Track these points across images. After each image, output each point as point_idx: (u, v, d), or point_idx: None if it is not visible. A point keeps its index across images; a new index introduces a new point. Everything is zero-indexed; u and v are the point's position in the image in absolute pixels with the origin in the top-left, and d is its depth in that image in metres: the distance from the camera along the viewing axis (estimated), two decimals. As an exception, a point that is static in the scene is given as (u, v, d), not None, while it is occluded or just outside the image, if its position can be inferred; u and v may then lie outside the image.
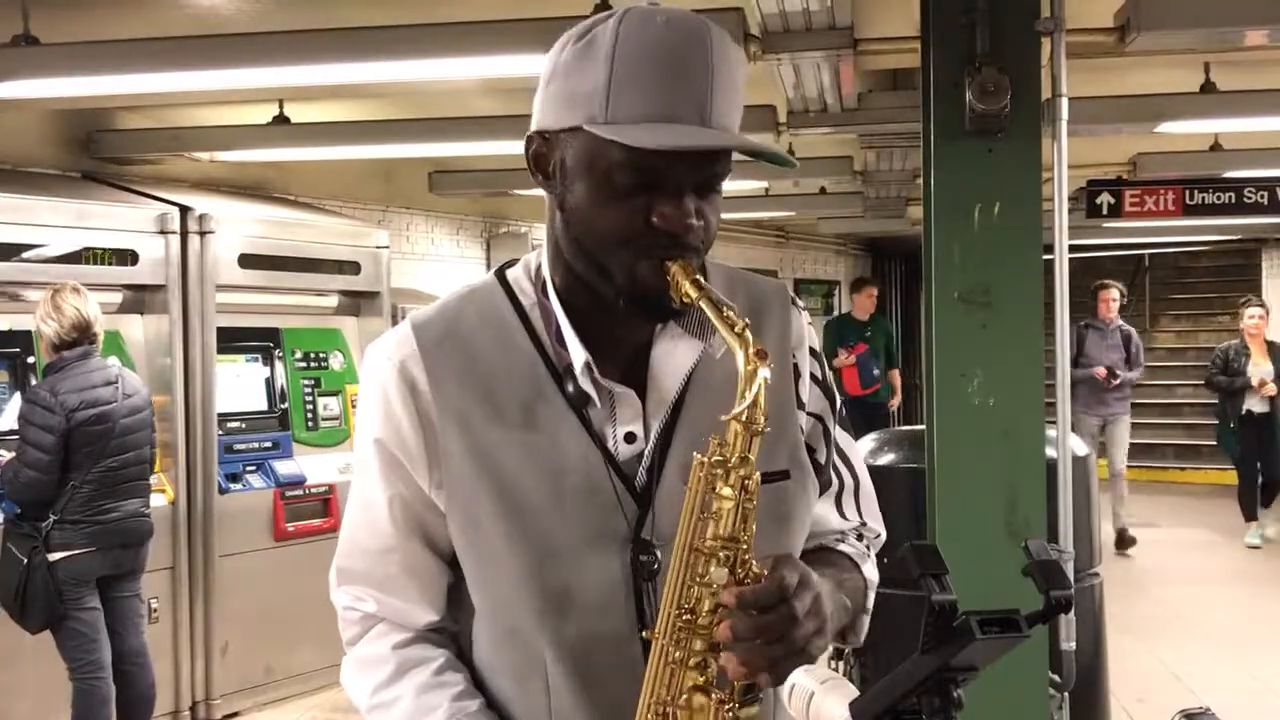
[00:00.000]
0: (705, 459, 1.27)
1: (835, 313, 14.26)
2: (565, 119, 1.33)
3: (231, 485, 5.85)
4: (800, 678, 1.15)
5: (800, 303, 1.59)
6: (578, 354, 1.39)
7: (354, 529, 1.48)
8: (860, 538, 1.60)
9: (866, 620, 1.53)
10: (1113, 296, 10.08)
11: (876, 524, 1.63)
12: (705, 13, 3.99)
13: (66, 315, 4.53)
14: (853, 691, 1.08)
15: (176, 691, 5.60)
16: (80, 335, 4.55)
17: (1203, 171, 8.33)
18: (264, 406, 6.22)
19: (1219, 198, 8.54)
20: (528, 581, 1.37)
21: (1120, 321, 9.96)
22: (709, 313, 1.29)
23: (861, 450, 4.59)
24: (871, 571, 1.59)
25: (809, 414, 1.53)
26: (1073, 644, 3.44)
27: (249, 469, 6.00)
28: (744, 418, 1.25)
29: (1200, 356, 15.46)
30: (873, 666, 4.00)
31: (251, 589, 5.89)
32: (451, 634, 1.49)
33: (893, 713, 1.02)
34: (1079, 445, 4.29)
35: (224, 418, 5.84)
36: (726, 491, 1.25)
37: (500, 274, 1.49)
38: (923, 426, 3.71)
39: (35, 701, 4.98)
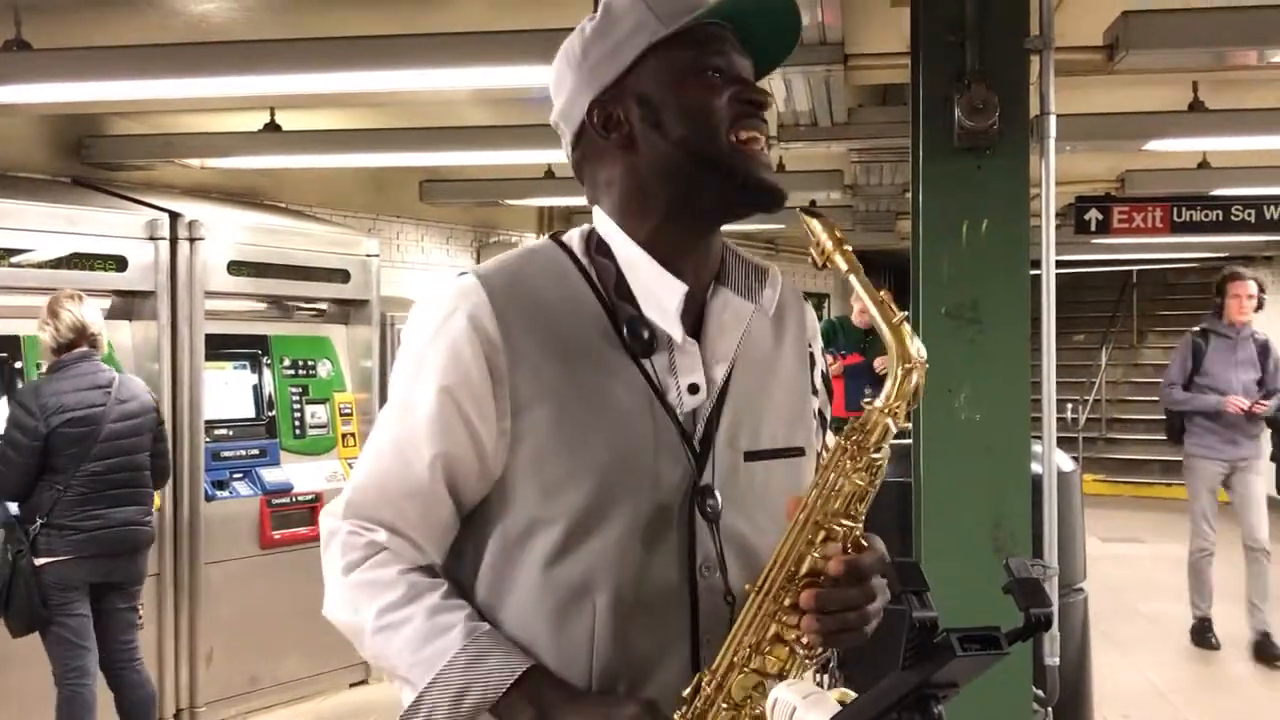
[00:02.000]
0: (846, 444, 1.33)
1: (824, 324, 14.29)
2: (628, 58, 1.47)
3: (218, 493, 5.84)
4: (783, 693, 1.16)
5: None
6: (673, 291, 1.45)
7: (381, 472, 1.48)
8: None
9: None
10: (1248, 291, 7.05)
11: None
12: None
13: (62, 320, 4.56)
14: (834, 707, 1.09)
15: (160, 699, 5.56)
16: (77, 338, 4.57)
17: (1190, 189, 8.37)
18: (251, 414, 6.21)
19: (1206, 215, 8.58)
20: (591, 526, 1.40)
21: (1254, 328, 7.15)
22: (863, 294, 1.36)
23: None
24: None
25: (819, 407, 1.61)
26: (1057, 659, 3.45)
27: (236, 476, 5.99)
28: (890, 410, 1.32)
29: (1187, 373, 15.52)
30: (858, 681, 4.00)
31: (237, 597, 5.88)
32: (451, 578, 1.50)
33: (874, 728, 1.02)
34: (1064, 461, 4.31)
35: (211, 425, 5.83)
36: (854, 474, 1.31)
37: (554, 237, 1.56)
38: (910, 440, 3.72)
39: (20, 707, 4.96)
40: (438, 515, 1.47)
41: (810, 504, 1.33)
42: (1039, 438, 3.55)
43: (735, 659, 1.33)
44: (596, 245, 1.51)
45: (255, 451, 6.13)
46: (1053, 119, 3.39)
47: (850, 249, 1.37)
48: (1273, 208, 8.61)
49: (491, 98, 5.55)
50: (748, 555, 1.43)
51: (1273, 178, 8.03)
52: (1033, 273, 3.50)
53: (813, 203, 9.25)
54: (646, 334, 1.43)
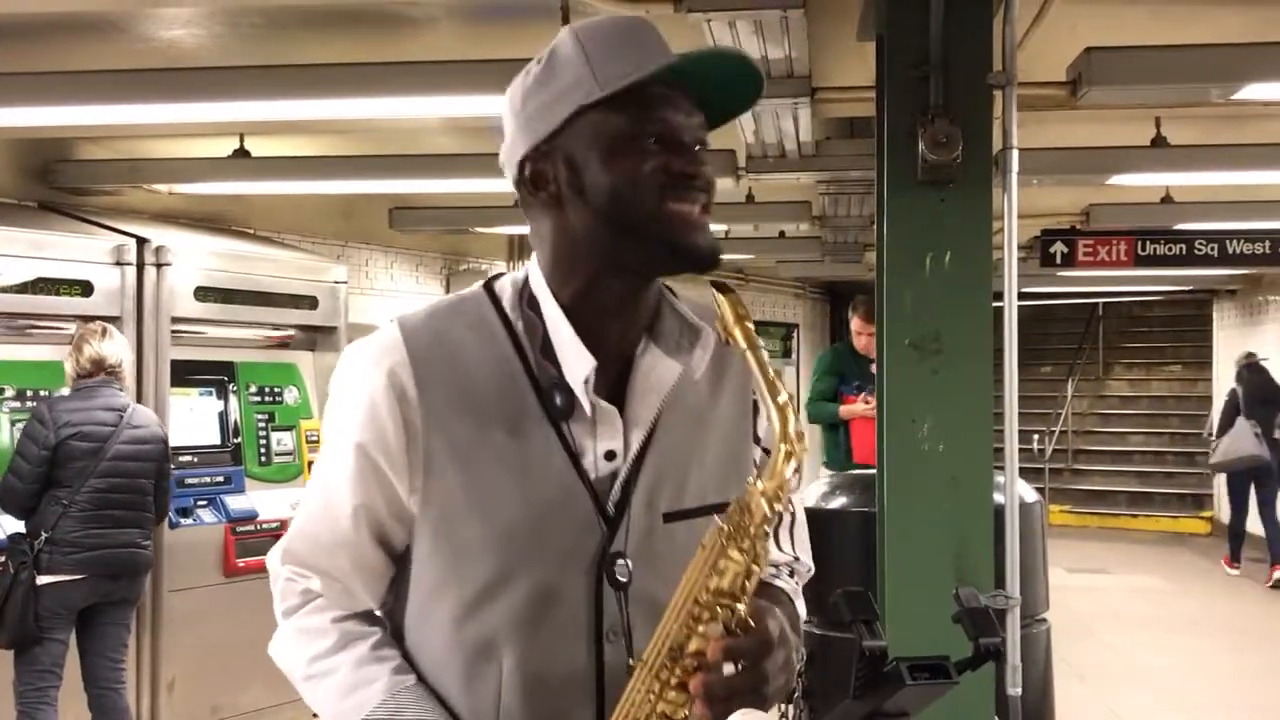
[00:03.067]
0: (725, 525, 1.30)
1: (793, 355, 14.34)
2: (559, 116, 1.41)
3: (182, 520, 5.79)
4: (735, 726, 1.17)
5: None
6: (583, 363, 1.42)
7: (312, 522, 1.50)
8: (793, 573, 1.65)
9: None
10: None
11: (808, 558, 1.67)
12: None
13: (83, 353, 4.81)
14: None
15: (121, 728, 5.52)
16: (95, 368, 4.80)
17: (1154, 223, 8.46)
18: (217, 440, 6.17)
19: (1170, 249, 8.68)
20: (498, 590, 1.40)
21: None
22: (756, 372, 1.33)
23: (813, 494, 4.63)
24: (801, 608, 1.64)
25: (762, 449, 1.58)
26: (1019, 690, 3.46)
27: (200, 504, 5.94)
28: (771, 494, 1.29)
29: (1153, 405, 15.69)
30: (822, 713, 4.00)
31: (200, 625, 5.82)
32: (384, 619, 1.52)
33: (825, 757, 1.03)
34: (1026, 491, 4.34)
35: (176, 451, 5.77)
36: (736, 555, 1.28)
37: (489, 285, 1.52)
38: (874, 470, 3.73)
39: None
40: (368, 563, 1.48)
41: (690, 583, 1.30)
42: (1001, 468, 3.57)
43: None
44: (528, 299, 1.47)
45: (220, 479, 6.09)
46: (1015, 153, 3.43)
47: (751, 325, 1.35)
48: (1236, 242, 8.71)
49: (461, 126, 5.56)
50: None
51: (1236, 212, 8.14)
52: (996, 304, 3.53)
53: (781, 234, 9.30)
54: (562, 399, 1.42)
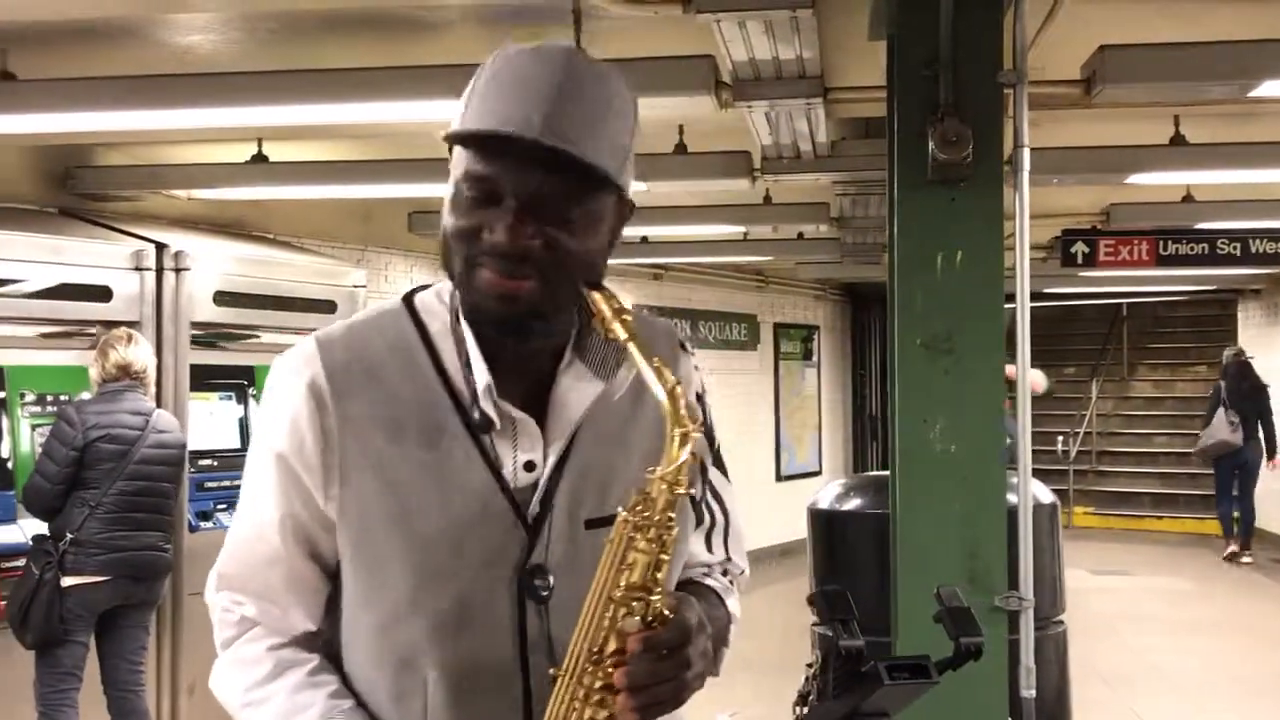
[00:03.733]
0: (629, 516, 1.29)
1: (814, 357, 14.31)
2: (448, 133, 1.39)
3: (202, 523, 5.82)
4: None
5: (690, 347, 1.63)
6: (481, 376, 1.42)
7: (241, 538, 1.50)
8: (725, 573, 1.65)
9: (726, 653, 1.57)
10: None
11: (741, 561, 1.67)
12: (678, 60, 4.03)
13: (109, 358, 4.87)
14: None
15: (142, 731, 5.55)
16: (121, 373, 4.87)
17: (1175, 222, 8.41)
18: (236, 444, 6.20)
19: (1192, 249, 8.62)
20: (417, 601, 1.40)
21: None
22: (639, 361, 1.31)
23: (828, 495, 4.62)
24: (735, 606, 1.63)
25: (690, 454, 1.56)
26: (1033, 692, 3.44)
27: (220, 507, 5.97)
28: (670, 478, 1.28)
29: (1178, 406, 15.59)
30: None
31: (220, 628, 5.85)
32: (326, 641, 1.51)
33: (807, 757, 1.03)
34: (1042, 492, 4.31)
35: (196, 455, 5.82)
36: (643, 545, 1.27)
37: (408, 299, 1.52)
38: (886, 471, 3.72)
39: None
40: (301, 579, 1.48)
41: (600, 581, 1.29)
42: (1014, 469, 3.56)
43: None
44: (457, 314, 1.46)
45: (240, 482, 6.10)
46: (1026, 152, 3.42)
47: (630, 319, 1.34)
48: (1259, 241, 8.64)
49: (478, 129, 5.56)
50: None
51: (1258, 211, 8.07)
52: (1009, 305, 3.52)
53: (800, 235, 9.30)
54: (481, 413, 1.41)
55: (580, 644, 1.29)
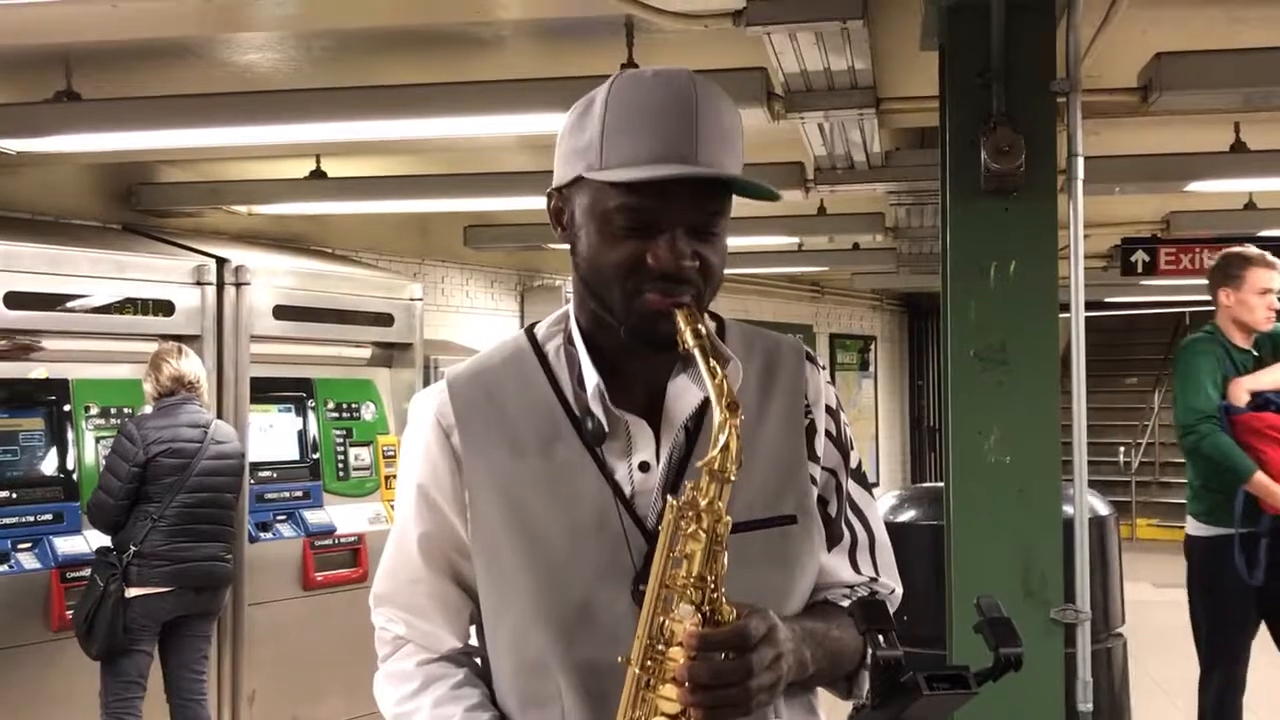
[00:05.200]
0: (676, 502, 1.33)
1: (870, 368, 14.24)
2: (570, 173, 1.46)
3: (262, 534, 5.90)
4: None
5: (820, 362, 1.66)
6: (591, 379, 1.48)
7: (390, 559, 1.61)
8: (873, 594, 1.61)
9: (868, 675, 1.54)
10: None
11: (891, 579, 1.65)
12: (730, 72, 4.04)
13: (163, 372, 4.94)
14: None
15: (204, 739, 5.62)
16: (175, 386, 4.94)
17: (1237, 229, 8.27)
18: (296, 456, 6.28)
19: (1255, 256, 8.47)
20: (542, 612, 1.45)
21: None
22: (698, 359, 1.36)
23: (885, 506, 4.59)
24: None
25: (823, 468, 1.58)
26: (1090, 705, 3.40)
27: (279, 518, 6.05)
28: (715, 465, 1.32)
29: (1242, 416, 15.29)
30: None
31: (280, 638, 5.92)
32: (476, 656, 1.59)
33: (848, 767, 1.03)
34: (1099, 504, 4.27)
35: (255, 467, 5.90)
36: (697, 533, 1.31)
37: (530, 328, 1.61)
38: (941, 484, 3.70)
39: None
40: (444, 598, 1.56)
41: (656, 574, 1.34)
42: (1070, 480, 3.52)
43: None
44: (568, 332, 1.55)
45: (299, 493, 6.19)
46: (1080, 161, 3.39)
47: (703, 329, 1.39)
48: (1324, 248, 8.48)
49: (534, 143, 5.61)
50: None
51: (1322, 218, 7.93)
52: (1064, 315, 3.49)
53: (855, 245, 9.26)
54: (594, 424, 1.47)
55: (643, 633, 1.33)
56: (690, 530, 1.31)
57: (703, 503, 1.31)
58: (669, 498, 1.35)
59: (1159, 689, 6.93)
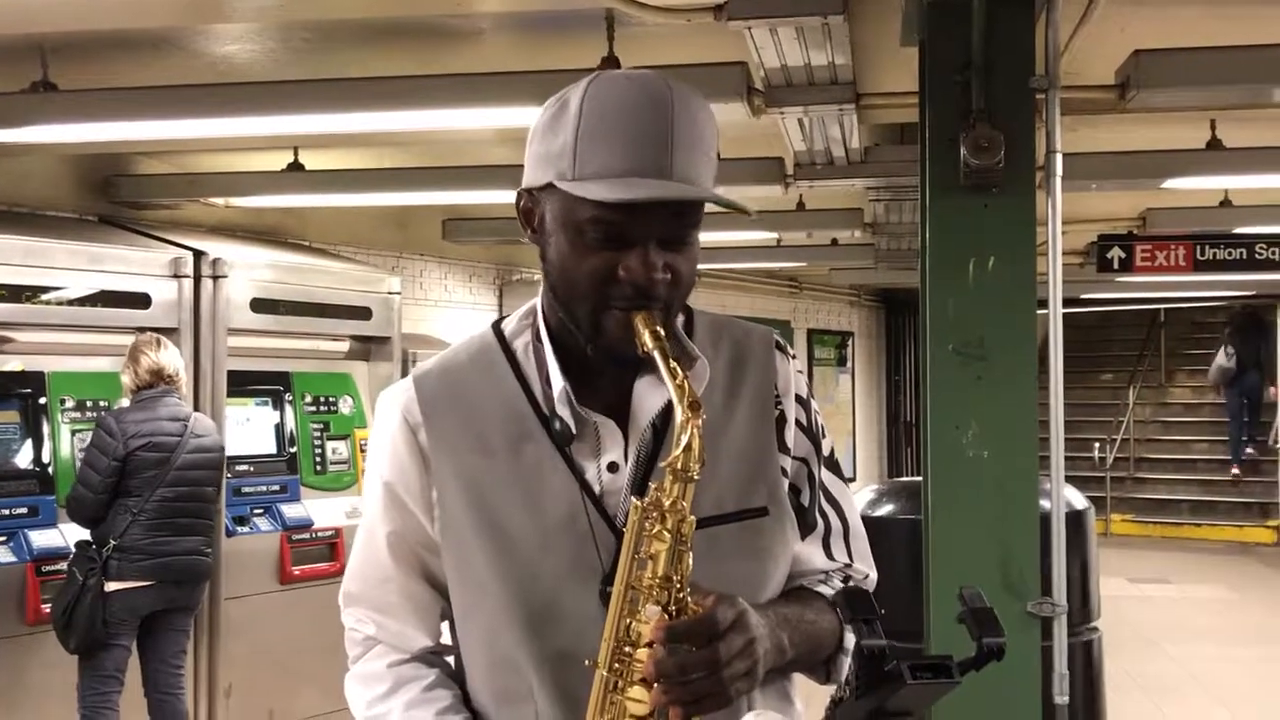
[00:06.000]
0: (640, 503, 1.33)
1: (848, 364, 14.27)
2: (541, 177, 1.43)
3: (238, 528, 5.87)
4: (749, 721, 1.17)
5: (791, 350, 1.65)
6: (557, 381, 1.47)
7: (358, 557, 1.60)
8: (847, 580, 1.63)
9: (846, 660, 1.55)
10: None
11: (865, 566, 1.66)
12: (710, 67, 4.04)
13: (141, 364, 4.89)
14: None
15: (180, 733, 5.60)
16: (154, 379, 4.89)
17: (1213, 226, 8.33)
18: (273, 450, 6.25)
19: (1230, 253, 8.54)
20: (512, 609, 1.45)
21: None
22: (659, 362, 1.36)
23: (862, 501, 4.61)
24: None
25: (794, 458, 1.58)
26: (1066, 698, 3.43)
27: (256, 512, 6.01)
28: (678, 465, 1.32)
29: (1216, 412, 15.44)
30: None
31: (257, 632, 5.90)
32: (447, 655, 1.59)
33: (830, 756, 1.04)
34: (1076, 499, 4.29)
35: (232, 460, 5.87)
36: (661, 534, 1.31)
37: (496, 324, 1.60)
38: (919, 478, 3.72)
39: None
40: (415, 596, 1.56)
41: (622, 576, 1.33)
42: (1049, 475, 3.54)
43: None
44: (537, 330, 1.54)
45: (276, 487, 6.16)
46: (1059, 158, 3.40)
47: (661, 331, 1.39)
48: (1298, 246, 8.55)
49: (513, 137, 5.58)
50: None
51: (1297, 215, 8.00)
52: (1042, 311, 3.51)
53: (834, 241, 9.29)
54: (562, 424, 1.46)
55: (610, 635, 1.33)
56: (655, 531, 1.31)
57: (666, 503, 1.31)
58: (634, 499, 1.34)
59: (1133, 683, 6.99)
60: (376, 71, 4.48)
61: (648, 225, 1.38)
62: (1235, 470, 14.30)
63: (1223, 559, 12.73)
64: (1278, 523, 13.83)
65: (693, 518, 1.32)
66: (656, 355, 1.36)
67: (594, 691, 1.34)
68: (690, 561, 1.32)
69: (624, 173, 1.35)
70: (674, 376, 1.34)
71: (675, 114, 1.37)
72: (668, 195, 1.37)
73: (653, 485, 1.34)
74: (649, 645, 1.29)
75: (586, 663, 1.34)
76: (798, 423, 1.59)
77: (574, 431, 1.46)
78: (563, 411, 1.47)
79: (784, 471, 1.56)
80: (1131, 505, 14.74)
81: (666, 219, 1.39)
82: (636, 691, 1.31)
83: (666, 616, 1.29)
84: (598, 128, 1.37)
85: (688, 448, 1.31)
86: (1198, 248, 8.49)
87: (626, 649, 1.32)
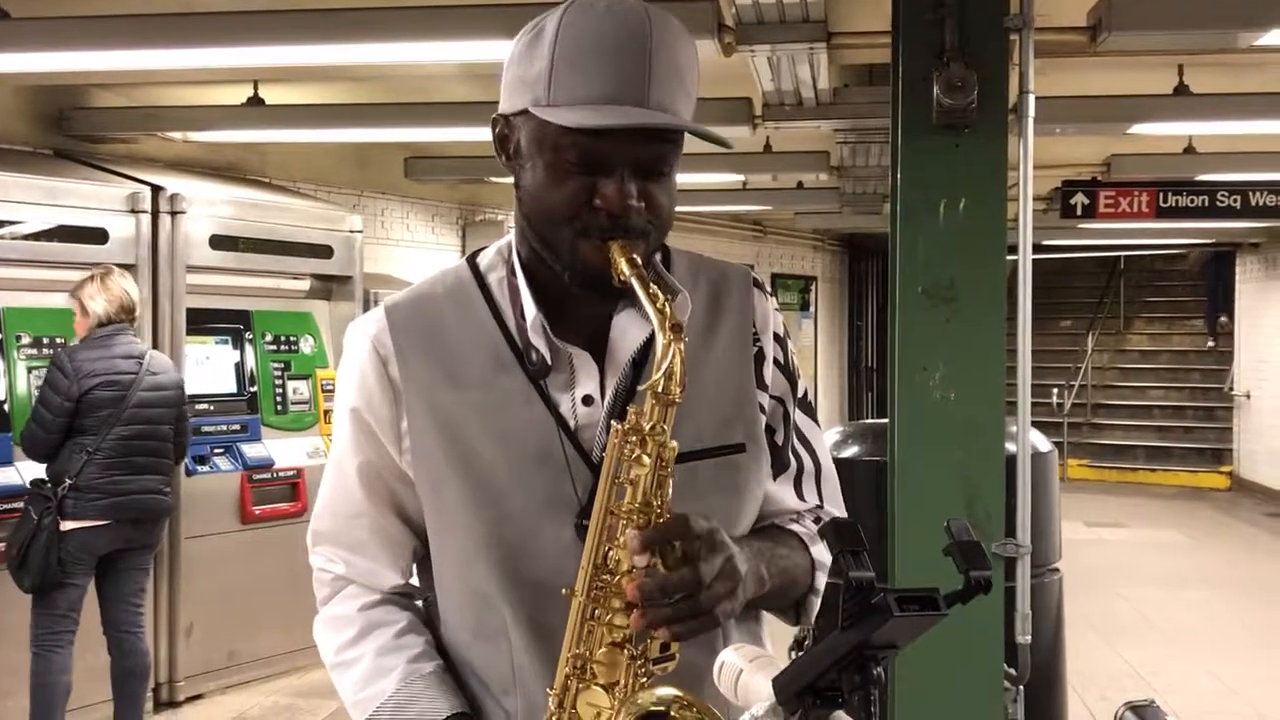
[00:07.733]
0: (621, 426, 1.31)
1: (810, 309, 14.31)
2: (517, 103, 1.40)
3: (199, 468, 5.83)
4: (729, 656, 1.16)
5: (767, 288, 1.63)
6: (530, 310, 1.45)
7: (328, 493, 1.56)
8: (817, 520, 1.62)
9: (817, 601, 1.54)
10: None
11: (836, 508, 1.65)
12: (681, 2, 3.97)
13: (115, 295, 4.77)
14: (779, 670, 1.09)
15: (139, 673, 5.58)
16: (122, 313, 4.78)
17: (1177, 174, 8.37)
18: (233, 389, 6.20)
19: (1192, 201, 8.59)
20: (486, 543, 1.42)
21: None
22: (637, 289, 1.34)
23: (826, 441, 4.62)
24: (822, 553, 1.59)
25: (771, 396, 1.56)
26: (1028, 638, 3.46)
27: (217, 452, 5.98)
28: (658, 388, 1.29)
29: (1173, 359, 15.62)
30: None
31: (217, 572, 5.88)
32: (418, 598, 1.56)
33: (814, 689, 1.03)
34: (1040, 442, 4.32)
35: (192, 399, 5.80)
36: (641, 458, 1.29)
37: (472, 257, 1.56)
38: (885, 420, 3.72)
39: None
40: (386, 531, 1.53)
41: (600, 501, 1.31)
42: (1014, 417, 3.56)
43: (570, 672, 1.33)
44: (510, 263, 1.51)
45: (236, 427, 6.12)
46: (1031, 99, 3.39)
47: (638, 260, 1.36)
48: (1259, 194, 8.61)
49: (476, 73, 5.53)
50: None
51: (1259, 163, 8.05)
52: (1012, 258, 3.50)
53: (799, 184, 9.26)
54: (538, 356, 1.44)
55: (588, 562, 1.31)
56: (635, 455, 1.29)
57: (646, 427, 1.29)
58: (613, 423, 1.32)
59: (1088, 624, 7.09)
60: (339, 3, 4.40)
61: (623, 153, 1.35)
62: (1211, 342, 15.24)
63: (1177, 504, 12.92)
64: (1231, 468, 14.04)
65: (674, 444, 1.31)
66: (634, 281, 1.34)
67: (571, 620, 1.32)
68: (671, 488, 1.31)
69: (600, 100, 1.33)
70: (654, 301, 1.32)
71: (654, 42, 1.35)
72: (644, 122, 1.34)
73: (632, 409, 1.31)
74: (629, 571, 1.27)
75: (564, 591, 1.33)
76: (775, 361, 1.57)
77: (550, 363, 1.44)
78: (537, 341, 1.44)
79: (761, 409, 1.54)
80: (1088, 450, 14.92)
81: (642, 146, 1.36)
82: (617, 619, 1.29)
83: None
84: (574, 54, 1.34)
85: (669, 371, 1.29)
86: (1160, 195, 8.53)
87: (605, 576, 1.30)
